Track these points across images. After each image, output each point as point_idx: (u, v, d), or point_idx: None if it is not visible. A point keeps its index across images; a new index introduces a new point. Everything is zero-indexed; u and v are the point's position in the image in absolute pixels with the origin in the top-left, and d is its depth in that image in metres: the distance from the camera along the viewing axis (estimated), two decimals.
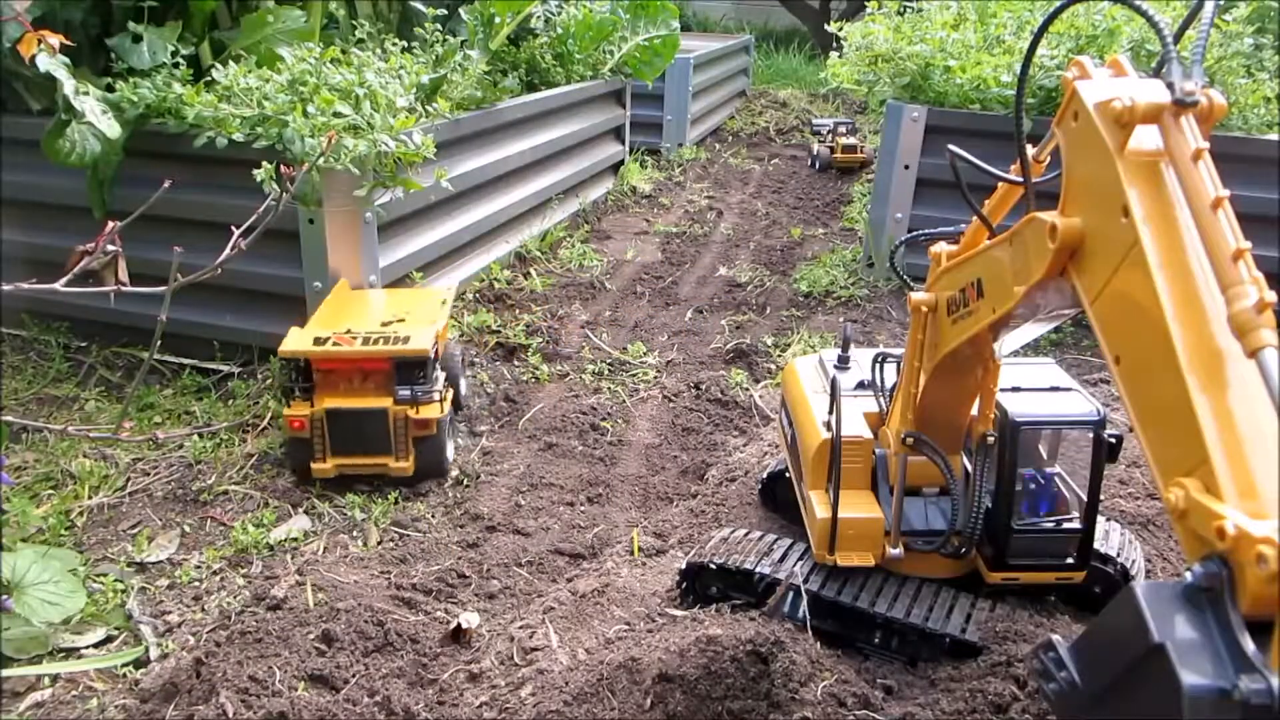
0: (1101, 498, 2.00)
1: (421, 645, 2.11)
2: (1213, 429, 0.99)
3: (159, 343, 2.28)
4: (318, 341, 2.72)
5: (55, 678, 2.07)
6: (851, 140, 6.95)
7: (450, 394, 2.93)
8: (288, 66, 3.38)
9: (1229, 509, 0.94)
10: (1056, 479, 1.82)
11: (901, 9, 4.77)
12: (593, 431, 3.21)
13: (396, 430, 2.75)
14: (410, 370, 2.74)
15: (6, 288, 2.09)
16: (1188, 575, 0.98)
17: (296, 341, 2.73)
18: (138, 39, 3.38)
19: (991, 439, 1.73)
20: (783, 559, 1.97)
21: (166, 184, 2.33)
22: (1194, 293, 1.05)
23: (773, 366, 3.65)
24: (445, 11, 4.79)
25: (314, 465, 2.76)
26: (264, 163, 2.86)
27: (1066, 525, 1.76)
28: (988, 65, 4.10)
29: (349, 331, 2.79)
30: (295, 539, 2.58)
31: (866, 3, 4.83)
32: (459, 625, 2.14)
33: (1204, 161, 1.09)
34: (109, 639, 2.21)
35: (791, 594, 1.89)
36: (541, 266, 4.72)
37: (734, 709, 1.68)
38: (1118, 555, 1.94)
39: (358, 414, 2.73)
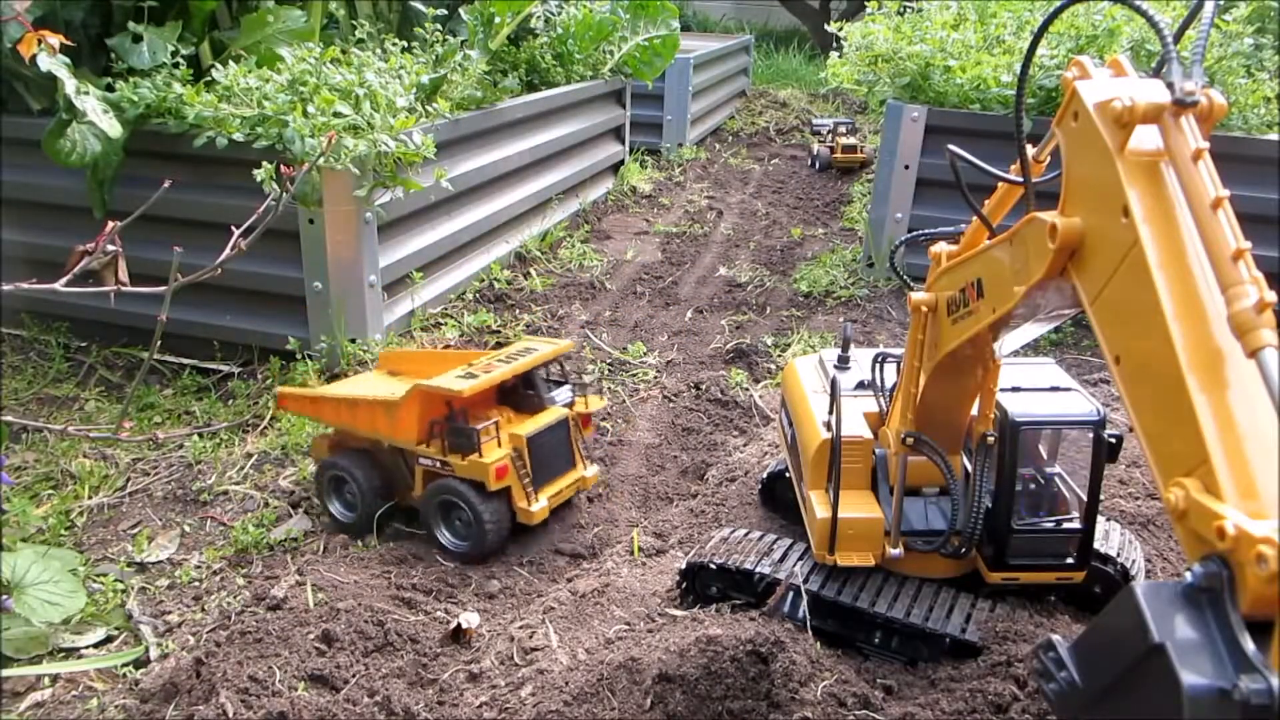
0: (1101, 498, 2.00)
1: (421, 645, 2.11)
2: (1213, 429, 0.99)
3: (159, 343, 2.28)
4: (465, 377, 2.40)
5: (55, 678, 2.07)
6: (851, 140, 6.95)
7: None
8: (288, 66, 3.38)
9: (1229, 509, 0.94)
10: (1056, 479, 1.82)
11: (901, 9, 4.77)
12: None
13: (574, 436, 2.58)
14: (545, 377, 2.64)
15: (6, 288, 2.09)
16: (1188, 575, 0.98)
17: (459, 383, 2.35)
18: (138, 39, 3.38)
19: (991, 439, 1.73)
20: (783, 559, 1.97)
21: (166, 184, 2.33)
22: (1194, 293, 1.05)
23: (773, 366, 3.65)
24: (445, 11, 4.79)
25: (532, 510, 2.41)
26: (264, 163, 2.86)
27: (1066, 525, 1.76)
28: (988, 65, 4.10)
29: (470, 365, 2.51)
30: (295, 539, 2.58)
31: (866, 3, 4.83)
32: (459, 625, 2.14)
33: (1204, 161, 1.09)
34: (109, 639, 2.21)
35: (791, 594, 1.89)
36: (541, 266, 4.72)
37: (734, 709, 1.68)
38: (1118, 555, 1.94)
39: (553, 429, 2.48)
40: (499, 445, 2.40)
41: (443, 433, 2.42)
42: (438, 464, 2.45)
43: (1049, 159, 1.50)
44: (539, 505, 2.44)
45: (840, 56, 4.75)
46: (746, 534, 2.09)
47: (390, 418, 2.47)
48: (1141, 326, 1.10)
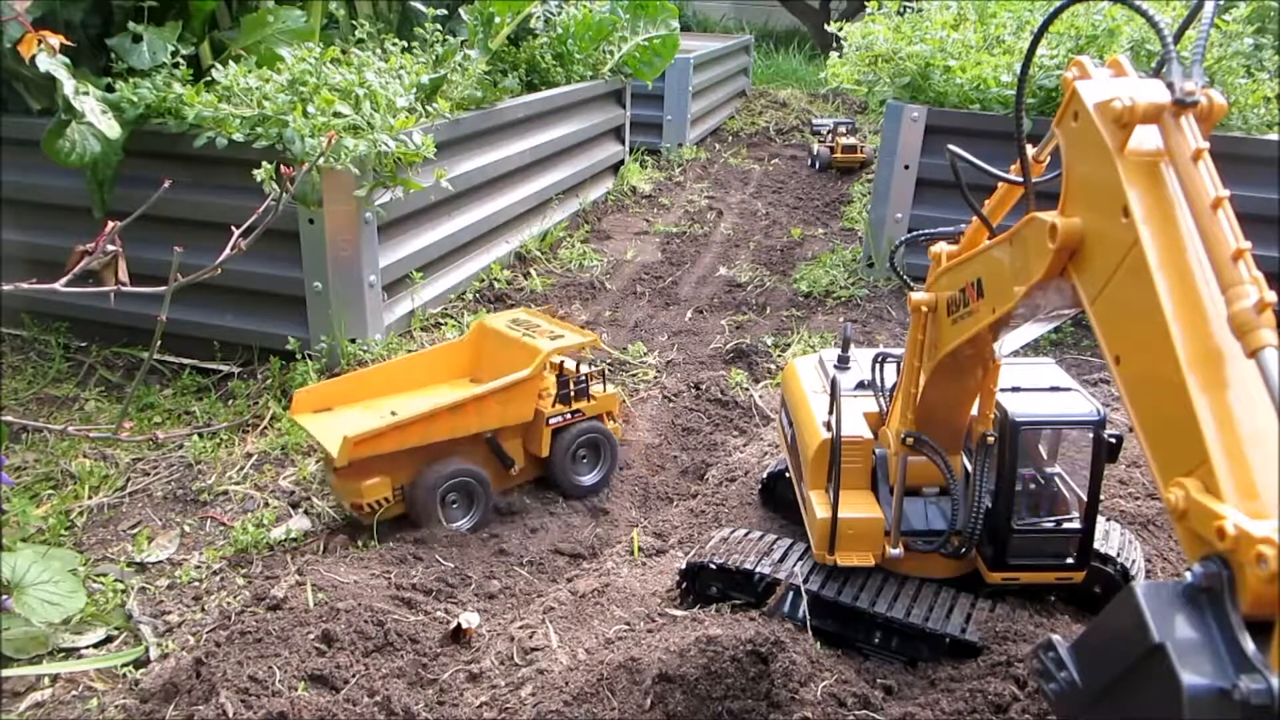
0: (1101, 498, 2.00)
1: (421, 645, 2.11)
2: (1213, 429, 0.99)
3: (159, 343, 2.28)
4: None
5: (55, 678, 2.07)
6: (851, 140, 6.95)
7: None
8: (288, 66, 3.38)
9: (1229, 509, 0.94)
10: (1056, 479, 1.82)
11: (901, 9, 4.77)
12: None
13: None
14: None
15: (6, 288, 2.09)
16: (1188, 575, 0.98)
17: (584, 335, 2.83)
18: (138, 39, 3.38)
19: (991, 439, 1.73)
20: (783, 559, 1.97)
21: (166, 184, 2.33)
22: (1194, 293, 1.05)
23: (773, 366, 3.65)
24: (445, 11, 4.79)
25: (619, 425, 2.96)
26: (264, 163, 2.86)
27: (1066, 525, 1.76)
28: (988, 65, 4.10)
29: (524, 330, 2.85)
30: (295, 539, 2.58)
31: (866, 3, 4.83)
32: (459, 625, 2.14)
33: (1204, 161, 1.09)
34: (109, 639, 2.21)
35: (791, 594, 1.89)
36: (541, 266, 4.72)
37: (734, 709, 1.68)
38: (1118, 555, 1.94)
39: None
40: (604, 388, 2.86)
41: (563, 388, 2.76)
42: (568, 415, 2.77)
43: (1049, 159, 1.50)
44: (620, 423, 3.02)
45: (840, 56, 4.75)
46: (746, 534, 2.09)
47: (507, 401, 2.64)
48: (1142, 326, 1.10)
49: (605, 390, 2.84)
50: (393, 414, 2.57)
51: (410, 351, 3.51)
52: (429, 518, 2.58)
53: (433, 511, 2.58)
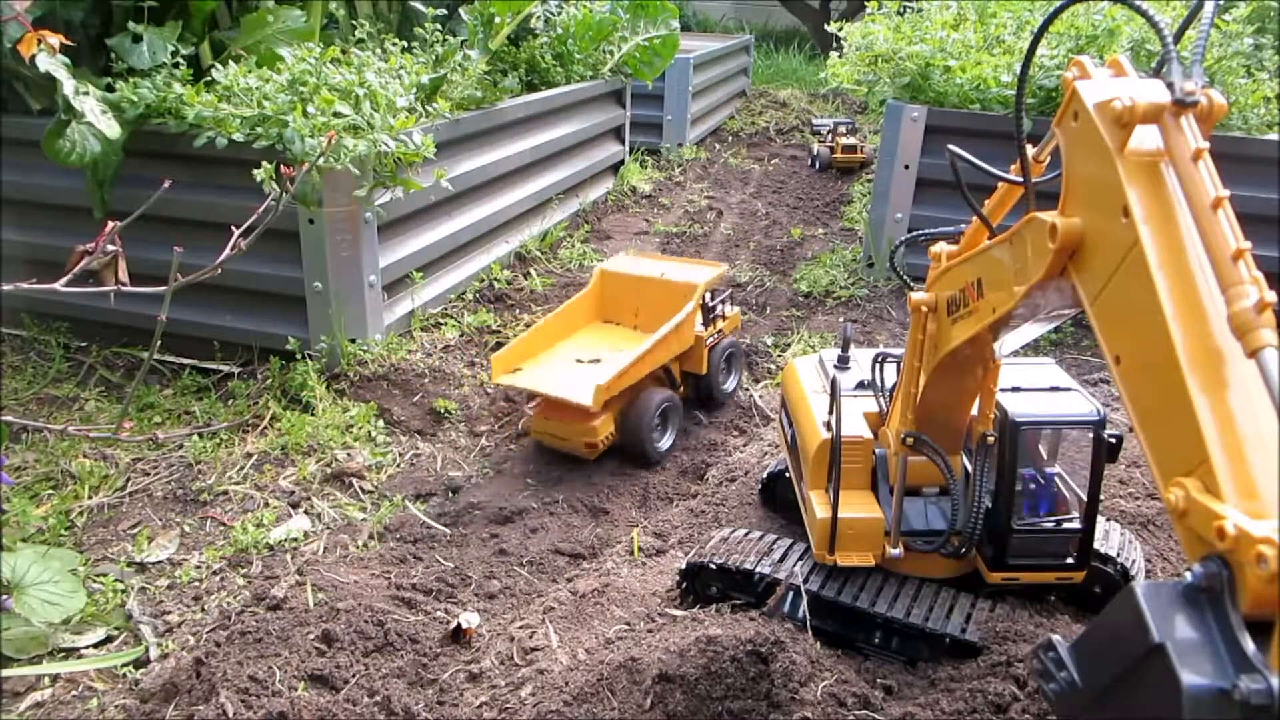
0: (1101, 498, 2.00)
1: (421, 645, 2.11)
2: (1213, 429, 0.99)
3: (159, 343, 2.28)
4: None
5: (55, 678, 2.07)
6: (851, 140, 6.94)
7: None
8: (288, 66, 3.38)
9: (1229, 509, 0.94)
10: (1056, 479, 1.82)
11: (901, 9, 4.77)
12: None
13: None
14: None
15: (6, 288, 2.09)
16: (1188, 575, 0.98)
17: (719, 266, 3.33)
18: (138, 39, 3.38)
19: (991, 439, 1.73)
20: (783, 559, 1.97)
21: (166, 184, 2.33)
22: (1194, 293, 1.05)
23: (773, 366, 3.65)
24: (445, 11, 4.79)
25: None
26: (264, 163, 2.86)
27: (1066, 525, 1.76)
28: (988, 65, 4.10)
29: (659, 271, 3.29)
30: (295, 539, 2.58)
31: (866, 3, 4.83)
32: (459, 625, 2.14)
33: (1204, 161, 1.09)
34: (109, 639, 2.21)
35: (791, 594, 1.89)
36: (541, 266, 4.72)
37: (734, 709, 1.68)
38: (1118, 555, 1.94)
39: None
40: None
41: (709, 312, 3.16)
42: (716, 335, 3.21)
43: (1049, 159, 1.50)
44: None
45: (840, 56, 4.75)
46: (746, 534, 2.09)
47: (681, 332, 3.02)
48: (1141, 326, 1.10)
49: (732, 310, 3.31)
50: (578, 360, 3.04)
51: (411, 352, 3.51)
52: (647, 442, 2.93)
53: (650, 436, 2.93)
